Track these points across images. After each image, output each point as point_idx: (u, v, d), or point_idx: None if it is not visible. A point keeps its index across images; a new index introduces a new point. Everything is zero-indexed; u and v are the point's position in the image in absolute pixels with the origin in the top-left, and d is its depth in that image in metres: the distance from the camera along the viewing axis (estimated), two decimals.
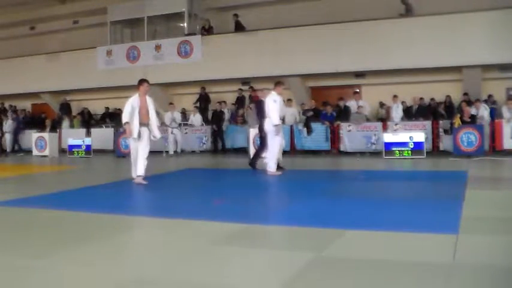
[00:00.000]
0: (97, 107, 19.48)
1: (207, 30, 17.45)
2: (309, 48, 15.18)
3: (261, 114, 9.56)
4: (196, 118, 16.07)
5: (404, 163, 11.12)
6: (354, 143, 13.62)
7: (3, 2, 20.05)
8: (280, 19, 16.34)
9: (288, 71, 15.60)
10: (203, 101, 17.03)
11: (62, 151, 16.66)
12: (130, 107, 7.66)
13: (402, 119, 13.92)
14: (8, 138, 17.69)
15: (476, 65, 13.80)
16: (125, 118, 7.67)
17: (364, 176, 8.61)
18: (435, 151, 13.31)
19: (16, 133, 17.87)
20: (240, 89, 16.79)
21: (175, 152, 15.18)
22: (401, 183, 7.83)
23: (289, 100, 15.27)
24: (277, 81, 9.49)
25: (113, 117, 18.24)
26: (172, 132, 15.16)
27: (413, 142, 11.90)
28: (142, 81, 7.98)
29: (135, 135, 7.72)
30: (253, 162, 9.86)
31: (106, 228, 4.70)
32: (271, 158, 8.96)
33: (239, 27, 16.93)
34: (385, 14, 15.01)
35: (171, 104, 15.45)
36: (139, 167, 7.73)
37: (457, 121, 12.08)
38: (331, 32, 15.13)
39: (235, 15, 17.06)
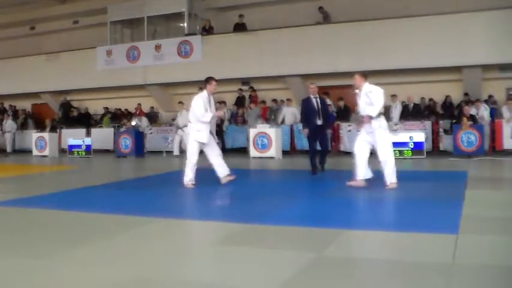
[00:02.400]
0: (97, 107, 19.47)
1: (207, 31, 17.45)
2: (309, 48, 15.18)
3: (308, 112, 8.82)
4: None
5: (404, 163, 11.11)
6: (354, 143, 13.56)
7: (3, 2, 20.04)
8: (280, 19, 16.34)
9: (288, 71, 15.60)
10: None
11: (62, 151, 16.67)
12: (203, 107, 7.15)
13: (400, 118, 13.91)
14: (8, 138, 17.67)
15: (476, 65, 13.79)
16: (205, 116, 7.12)
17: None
18: (435, 151, 13.31)
19: None
20: (240, 89, 16.79)
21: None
22: (401, 183, 7.81)
23: (288, 100, 15.28)
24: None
25: (113, 117, 18.26)
26: (178, 133, 14.86)
27: (413, 142, 11.91)
28: (210, 79, 7.40)
29: (206, 140, 7.24)
30: (322, 165, 8.96)
31: (106, 228, 4.70)
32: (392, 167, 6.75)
33: (239, 28, 16.90)
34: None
35: (180, 102, 15.27)
36: (223, 168, 7.41)
37: (465, 125, 11.98)
38: (331, 32, 15.14)
39: (241, 15, 16.99)
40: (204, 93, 7.36)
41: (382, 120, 6.73)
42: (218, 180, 7.49)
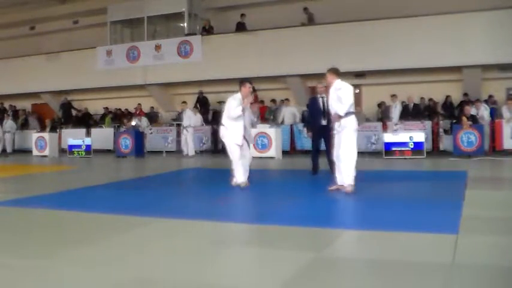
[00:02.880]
0: (97, 107, 19.48)
1: (207, 31, 17.45)
2: (309, 48, 15.18)
3: (314, 112, 8.74)
4: (196, 118, 16.05)
5: (404, 163, 11.12)
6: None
7: (3, 2, 20.05)
8: (280, 19, 16.34)
9: (288, 71, 15.61)
10: (201, 104, 16.85)
11: (62, 151, 16.67)
12: (240, 109, 6.88)
13: (400, 118, 13.91)
14: (8, 138, 17.63)
15: (476, 65, 13.80)
16: (236, 110, 6.86)
17: (363, 176, 8.60)
18: (435, 151, 13.32)
19: None
20: None
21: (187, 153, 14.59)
22: (401, 183, 7.82)
23: (286, 100, 15.28)
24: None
25: (114, 117, 18.24)
26: (183, 133, 14.85)
27: (413, 142, 11.92)
28: (244, 82, 7.17)
29: (240, 142, 6.97)
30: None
31: (106, 228, 4.70)
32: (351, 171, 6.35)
33: (241, 27, 16.86)
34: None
35: (183, 102, 15.28)
36: (241, 174, 7.03)
37: (465, 124, 11.98)
38: (331, 32, 15.13)
39: (243, 15, 16.96)
40: (238, 95, 7.09)
41: (352, 119, 6.38)
42: (215, 180, 7.46)
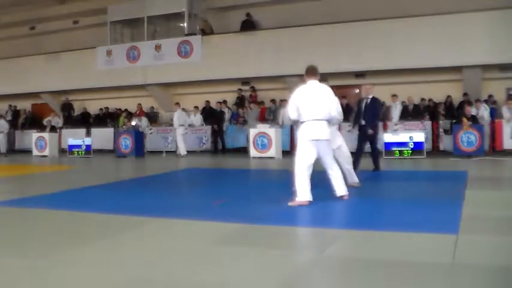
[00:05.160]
0: (97, 107, 19.47)
1: (206, 33, 17.45)
2: (309, 48, 15.16)
3: (357, 113, 9.09)
4: (196, 118, 16.07)
5: (404, 163, 11.12)
6: (354, 143, 13.55)
7: (3, 2, 20.02)
8: (280, 19, 16.33)
9: (288, 71, 15.59)
10: (208, 115, 16.67)
11: (62, 151, 16.67)
12: None
13: (400, 118, 13.90)
14: (1, 138, 17.40)
15: (476, 65, 13.79)
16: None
17: (364, 176, 8.60)
18: (435, 151, 13.32)
19: None
20: (240, 89, 16.79)
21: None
22: (401, 183, 7.83)
23: (283, 100, 15.25)
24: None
25: (113, 118, 18.23)
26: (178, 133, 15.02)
27: (413, 142, 11.92)
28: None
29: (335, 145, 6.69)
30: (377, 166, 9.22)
31: (106, 228, 4.70)
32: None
33: (249, 27, 16.83)
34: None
35: (176, 103, 15.30)
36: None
37: (465, 125, 11.97)
38: (331, 32, 15.13)
39: (248, 14, 16.91)
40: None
41: (301, 127, 5.93)
42: (216, 180, 7.46)
